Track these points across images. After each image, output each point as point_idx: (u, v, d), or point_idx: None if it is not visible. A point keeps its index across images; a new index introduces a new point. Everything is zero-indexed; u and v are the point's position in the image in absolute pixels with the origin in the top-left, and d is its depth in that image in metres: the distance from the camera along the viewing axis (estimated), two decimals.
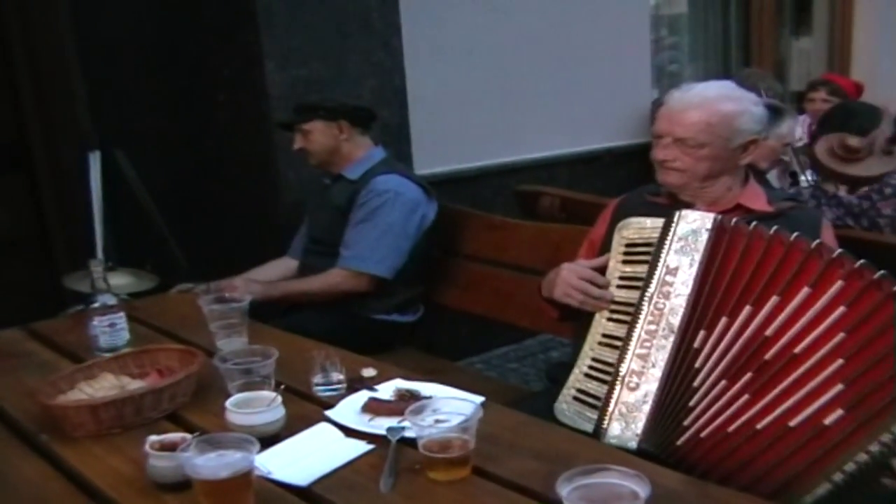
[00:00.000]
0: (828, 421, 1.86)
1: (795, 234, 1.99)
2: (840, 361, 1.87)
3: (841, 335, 1.88)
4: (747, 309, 1.98)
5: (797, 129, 4.33)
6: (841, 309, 1.89)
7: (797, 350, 1.92)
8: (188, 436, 1.67)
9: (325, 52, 3.83)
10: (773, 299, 1.96)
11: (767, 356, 1.95)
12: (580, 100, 4.86)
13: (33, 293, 3.95)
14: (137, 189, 3.78)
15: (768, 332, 1.95)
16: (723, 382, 1.98)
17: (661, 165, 2.34)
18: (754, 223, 2.07)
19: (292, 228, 3.47)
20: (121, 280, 3.00)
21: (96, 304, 2.35)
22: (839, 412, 1.86)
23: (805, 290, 1.93)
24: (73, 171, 3.81)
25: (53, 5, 3.81)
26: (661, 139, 2.32)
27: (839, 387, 1.86)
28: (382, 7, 3.98)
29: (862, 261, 1.90)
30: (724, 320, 2.00)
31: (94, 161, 3.65)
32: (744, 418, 1.93)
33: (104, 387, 2.02)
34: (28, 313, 2.80)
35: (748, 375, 1.95)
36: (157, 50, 4.07)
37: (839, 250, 1.95)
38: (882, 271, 1.88)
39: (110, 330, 2.35)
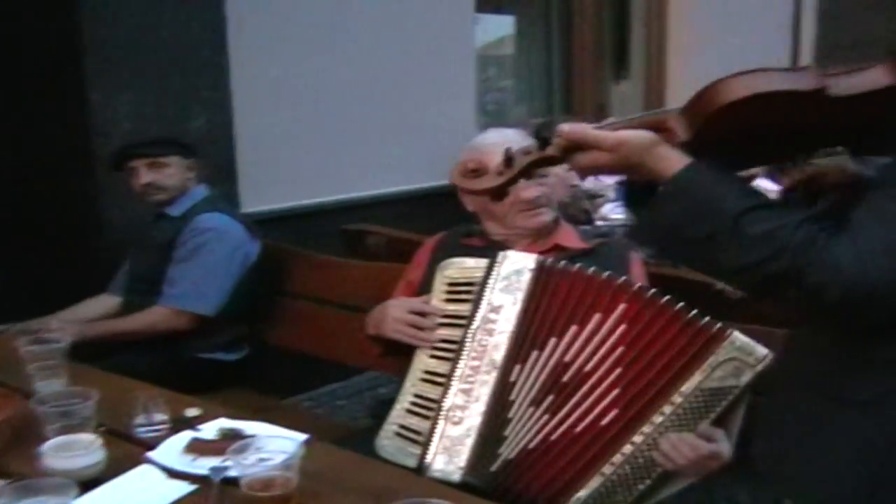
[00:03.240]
0: (604, 422, 2.05)
1: (606, 271, 2.14)
2: (619, 370, 2.05)
3: (622, 349, 2.06)
4: (552, 340, 2.12)
5: None
6: (623, 327, 2.07)
7: (588, 368, 2.08)
8: (2, 482, 1.62)
9: (152, 88, 3.79)
10: (573, 328, 2.10)
11: (565, 379, 2.10)
12: (408, 139, 4.94)
13: None
14: None
15: (567, 357, 2.10)
16: (530, 409, 2.11)
17: (530, 205, 2.42)
18: (568, 262, 2.20)
19: (115, 266, 3.40)
20: None
21: None
22: (614, 412, 2.05)
23: (597, 317, 2.09)
24: None
25: None
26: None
27: (616, 391, 2.05)
28: (211, 43, 3.97)
29: (639, 284, 2.10)
30: (535, 353, 2.13)
31: None
32: (543, 434, 2.07)
33: None
34: None
35: (550, 398, 2.10)
36: None
37: (622, 278, 2.11)
38: (653, 290, 2.07)
39: None
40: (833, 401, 1.48)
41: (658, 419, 2.01)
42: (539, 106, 6.57)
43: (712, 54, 5.86)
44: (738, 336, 1.98)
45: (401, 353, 2.33)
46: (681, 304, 2.04)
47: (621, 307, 2.07)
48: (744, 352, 1.97)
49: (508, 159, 1.63)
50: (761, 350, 1.96)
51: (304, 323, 3.35)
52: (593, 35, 6.45)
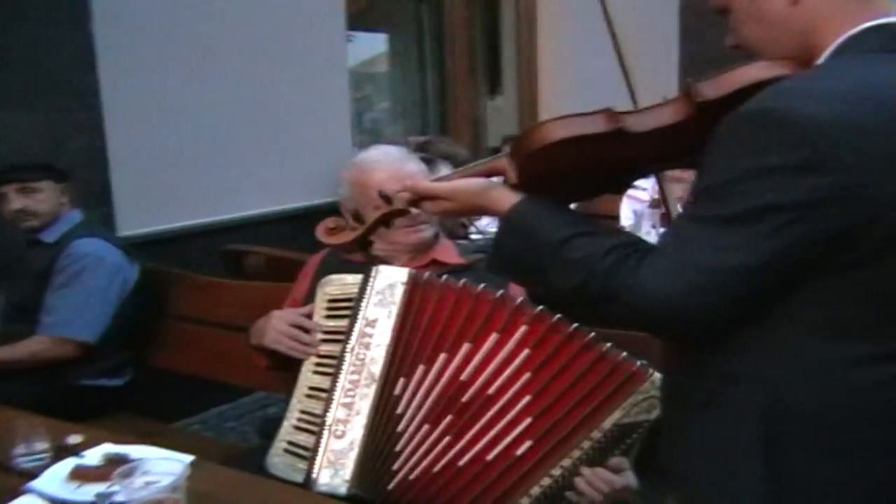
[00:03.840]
0: (519, 452, 2.07)
1: (482, 284, 2.18)
2: (528, 398, 2.09)
3: (528, 375, 2.10)
4: (443, 356, 2.15)
5: None
6: (526, 351, 2.10)
7: (490, 391, 2.11)
8: None
9: (25, 110, 3.72)
10: (466, 346, 2.14)
11: (464, 399, 2.13)
12: (285, 158, 4.95)
13: None
14: None
15: (463, 376, 2.13)
16: (426, 426, 2.14)
17: (410, 222, 2.44)
18: (445, 276, 2.24)
19: None
20: None
21: None
22: (528, 443, 2.07)
23: (494, 336, 2.13)
24: None
25: None
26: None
27: (528, 420, 2.08)
28: (80, 64, 3.93)
29: (541, 307, 2.12)
30: (421, 367, 2.16)
31: None
32: (447, 458, 2.11)
33: None
34: None
35: (449, 418, 2.13)
36: None
37: (521, 298, 2.15)
38: (559, 315, 2.10)
39: None
40: (683, 402, 1.57)
41: (576, 453, 2.05)
42: (415, 123, 6.65)
43: (579, 70, 6.04)
44: (656, 374, 2.03)
45: (287, 369, 2.35)
46: (592, 333, 2.08)
47: (522, 329, 2.11)
48: (657, 388, 2.01)
49: (356, 216, 1.84)
50: None
51: (187, 345, 3.34)
52: (466, 53, 6.55)
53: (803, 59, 1.48)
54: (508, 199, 1.59)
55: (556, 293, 1.57)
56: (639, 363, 2.06)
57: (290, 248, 3.93)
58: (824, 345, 1.40)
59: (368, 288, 2.26)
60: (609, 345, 2.07)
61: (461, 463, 2.11)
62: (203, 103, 4.54)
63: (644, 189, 4.40)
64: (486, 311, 2.15)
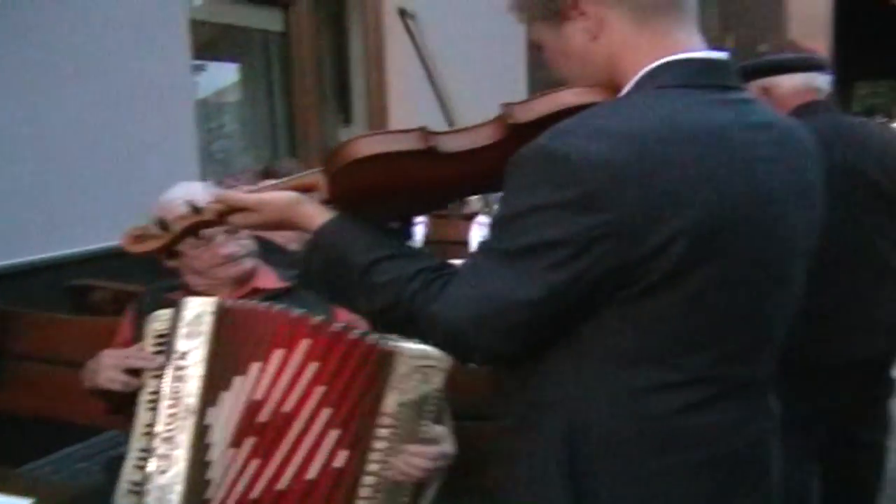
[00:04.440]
0: (338, 464, 2.12)
1: (304, 307, 2.20)
2: (329, 410, 2.12)
3: (322, 387, 2.13)
4: (238, 379, 2.17)
5: None
6: (314, 364, 2.13)
7: (287, 409, 2.14)
8: None
9: None
10: (255, 366, 2.16)
11: (262, 419, 2.15)
12: (131, 190, 4.80)
13: None
14: None
15: (258, 396, 2.16)
16: (231, 451, 2.16)
17: (228, 259, 2.48)
18: (269, 303, 2.27)
19: None
20: None
21: None
22: (346, 453, 2.12)
23: (279, 353, 2.15)
24: None
25: None
26: (207, 237, 2.39)
27: (337, 432, 2.12)
28: None
29: (321, 318, 2.17)
30: (225, 394, 2.18)
31: None
32: (263, 482, 2.14)
33: None
34: None
35: (252, 441, 2.15)
36: None
37: (299, 312, 2.19)
38: (340, 324, 2.16)
39: None
40: (502, 428, 1.63)
41: (380, 444, 2.11)
42: (265, 153, 6.61)
43: (429, 98, 6.12)
44: (406, 346, 2.09)
45: (128, 409, 2.32)
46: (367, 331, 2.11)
47: (304, 343, 2.13)
48: (422, 359, 2.09)
49: (162, 223, 1.80)
50: (435, 351, 2.05)
51: (32, 385, 3.25)
52: (315, 81, 6.57)
53: (613, 88, 1.56)
54: (318, 215, 1.59)
55: (365, 314, 1.60)
56: (377, 339, 2.11)
57: (138, 281, 3.85)
58: (621, 372, 1.45)
59: (178, 321, 2.26)
60: (363, 331, 2.12)
61: (280, 486, 2.13)
62: (46, 135, 4.42)
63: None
64: (273, 329, 2.18)
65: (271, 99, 6.62)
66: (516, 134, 1.50)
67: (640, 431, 1.47)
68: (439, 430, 2.17)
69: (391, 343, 2.11)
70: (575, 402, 1.48)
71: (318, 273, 1.59)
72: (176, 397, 2.20)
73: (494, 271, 1.43)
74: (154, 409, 2.23)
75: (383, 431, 2.11)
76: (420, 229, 5.04)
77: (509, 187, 1.44)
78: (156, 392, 2.24)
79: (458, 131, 1.56)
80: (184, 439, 2.17)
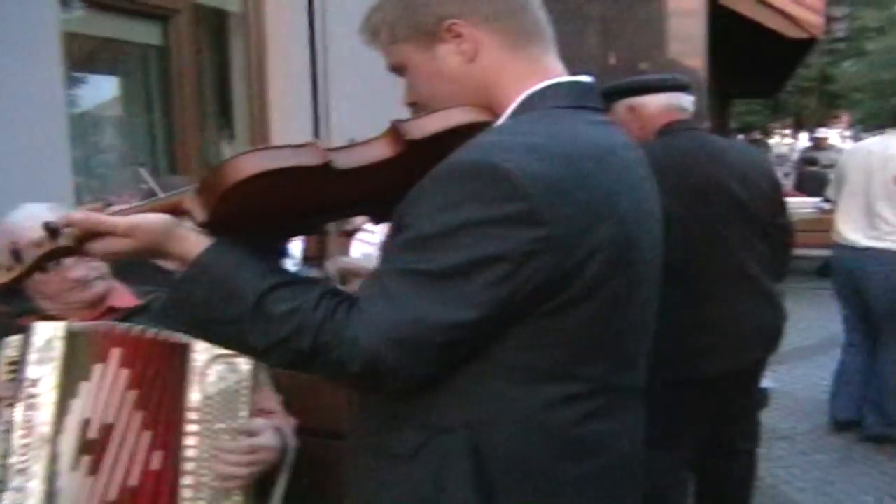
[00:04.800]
0: (155, 466, 2.11)
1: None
2: (142, 413, 2.12)
3: (135, 392, 2.12)
4: (72, 401, 2.16)
5: None
6: (127, 370, 2.13)
7: (109, 420, 2.13)
8: None
9: None
10: (83, 384, 2.15)
11: (91, 436, 2.13)
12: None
13: None
14: None
15: (87, 414, 2.14)
16: (73, 476, 2.13)
17: (80, 283, 2.41)
18: (125, 322, 2.22)
19: None
20: None
21: None
22: (160, 453, 2.12)
23: (98, 367, 2.15)
24: None
25: None
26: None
27: (150, 433, 2.11)
28: None
29: (126, 325, 2.16)
30: (67, 418, 2.15)
31: None
32: (96, 499, 2.08)
33: None
34: None
35: (86, 459, 2.13)
36: None
37: (110, 324, 2.18)
38: (140, 326, 2.16)
39: None
40: (380, 455, 1.59)
41: (191, 441, 2.08)
42: (145, 167, 6.43)
43: (308, 113, 6.08)
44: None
45: None
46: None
47: (116, 352, 2.12)
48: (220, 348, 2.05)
49: (16, 253, 1.60)
50: None
51: None
52: (195, 96, 6.46)
53: (487, 108, 1.57)
54: (195, 242, 1.48)
55: (249, 349, 1.53)
56: (171, 335, 2.11)
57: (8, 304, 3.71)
58: (523, 388, 1.46)
59: (28, 347, 2.18)
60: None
61: (111, 498, 2.10)
62: None
63: (373, 232, 4.41)
64: (99, 344, 2.16)
65: (150, 114, 6.48)
66: (412, 150, 1.48)
67: (546, 445, 1.48)
68: (259, 423, 2.12)
69: (170, 334, 2.09)
70: (481, 420, 1.47)
71: (197, 306, 1.46)
72: (28, 427, 2.13)
73: (418, 293, 1.39)
74: (7, 439, 2.14)
75: (192, 427, 2.07)
76: (297, 245, 4.96)
77: (430, 204, 1.40)
78: (9, 422, 2.15)
79: (351, 146, 1.51)
80: (38, 470, 2.09)
